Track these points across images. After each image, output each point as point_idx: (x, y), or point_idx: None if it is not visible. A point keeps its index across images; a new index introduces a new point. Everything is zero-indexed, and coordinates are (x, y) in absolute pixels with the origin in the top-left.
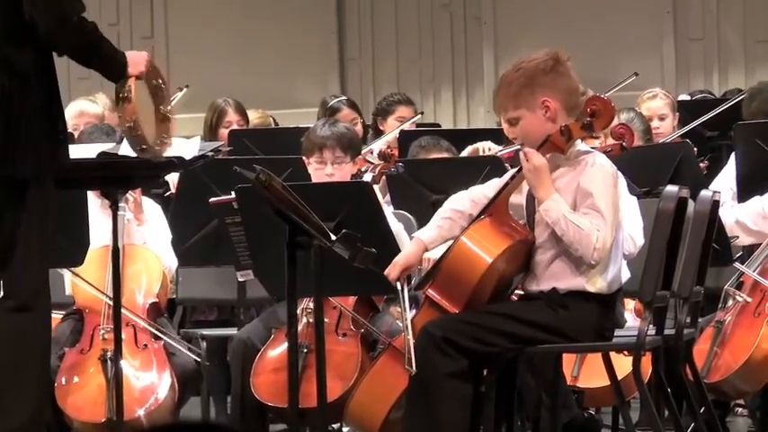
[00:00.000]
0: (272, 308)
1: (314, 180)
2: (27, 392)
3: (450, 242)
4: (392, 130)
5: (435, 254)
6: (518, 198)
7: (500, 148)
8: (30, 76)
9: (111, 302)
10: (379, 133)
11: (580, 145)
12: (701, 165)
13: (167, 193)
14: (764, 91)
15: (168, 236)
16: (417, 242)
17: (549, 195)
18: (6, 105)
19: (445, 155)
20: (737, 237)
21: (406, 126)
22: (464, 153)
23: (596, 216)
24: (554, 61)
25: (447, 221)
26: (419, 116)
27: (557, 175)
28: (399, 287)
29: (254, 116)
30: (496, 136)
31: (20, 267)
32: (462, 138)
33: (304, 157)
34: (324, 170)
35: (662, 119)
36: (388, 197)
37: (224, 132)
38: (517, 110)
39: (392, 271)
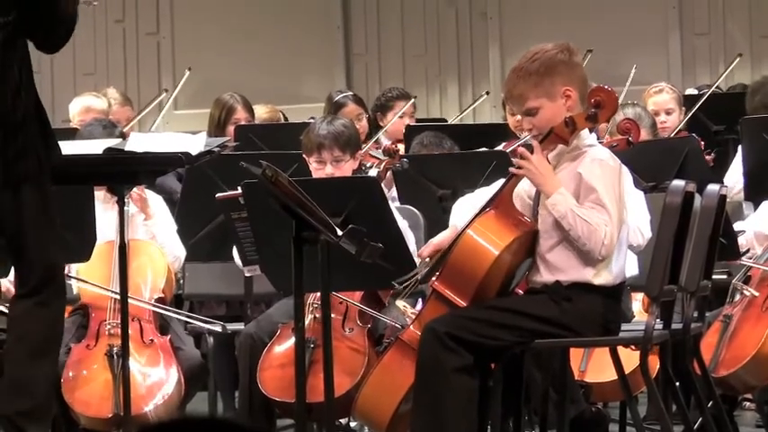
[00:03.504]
0: (278, 303)
1: None
2: (39, 377)
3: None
4: (393, 126)
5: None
6: (529, 183)
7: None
8: (21, 80)
9: (118, 297)
10: (378, 129)
11: (588, 138)
12: (708, 159)
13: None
14: (767, 85)
15: (173, 226)
16: (453, 229)
17: (555, 189)
18: (6, 112)
19: None
20: (744, 231)
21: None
22: None
23: (602, 211)
24: (568, 52)
25: None
26: (413, 100)
27: (560, 166)
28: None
29: (262, 110)
30: (503, 131)
31: (36, 261)
32: (468, 133)
33: (304, 155)
34: (324, 170)
35: (668, 113)
36: (393, 193)
37: (232, 129)
38: (538, 99)
39: (425, 250)
